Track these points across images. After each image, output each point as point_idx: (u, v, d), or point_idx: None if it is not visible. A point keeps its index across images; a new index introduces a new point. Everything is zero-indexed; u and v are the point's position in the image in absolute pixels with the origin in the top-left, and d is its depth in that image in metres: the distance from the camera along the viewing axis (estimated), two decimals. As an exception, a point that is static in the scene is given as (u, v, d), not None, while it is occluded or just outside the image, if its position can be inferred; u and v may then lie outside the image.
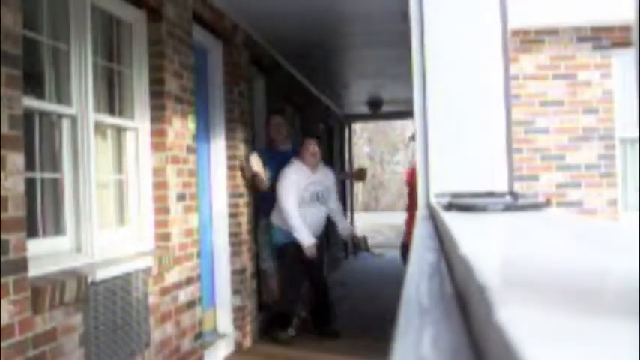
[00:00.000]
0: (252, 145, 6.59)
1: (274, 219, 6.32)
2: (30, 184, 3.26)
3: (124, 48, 4.36)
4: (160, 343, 4.31)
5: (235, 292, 5.98)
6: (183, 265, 4.75)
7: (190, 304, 4.86)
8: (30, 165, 3.25)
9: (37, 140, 3.42)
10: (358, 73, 9.86)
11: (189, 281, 4.84)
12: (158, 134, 4.50)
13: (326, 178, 6.44)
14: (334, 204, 6.60)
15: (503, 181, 2.13)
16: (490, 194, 1.98)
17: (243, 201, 6.15)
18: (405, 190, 6.43)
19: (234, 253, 6.01)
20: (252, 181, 6.26)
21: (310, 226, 6.21)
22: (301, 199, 6.17)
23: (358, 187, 30.35)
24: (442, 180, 2.12)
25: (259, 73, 7.32)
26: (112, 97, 4.24)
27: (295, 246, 6.15)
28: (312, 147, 6.21)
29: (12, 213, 2.87)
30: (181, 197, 4.75)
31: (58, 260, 3.41)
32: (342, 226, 6.83)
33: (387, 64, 8.92)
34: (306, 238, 6.13)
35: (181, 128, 4.77)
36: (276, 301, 6.47)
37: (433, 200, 2.03)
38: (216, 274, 5.90)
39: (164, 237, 4.53)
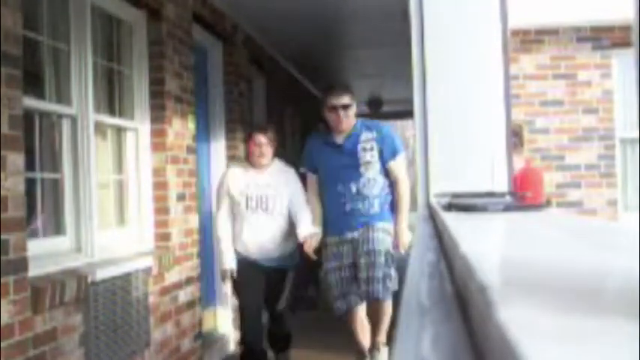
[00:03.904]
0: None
1: None
2: (30, 184, 3.25)
3: (124, 48, 4.36)
4: (160, 343, 4.31)
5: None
6: (183, 265, 4.75)
7: (190, 304, 4.86)
8: (30, 165, 3.25)
9: (37, 140, 3.42)
10: (358, 73, 9.86)
11: (189, 281, 4.84)
12: (158, 134, 4.50)
13: (278, 180, 4.69)
14: (299, 211, 4.70)
15: (504, 181, 2.13)
16: (490, 194, 1.98)
17: (243, 201, 6.15)
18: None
19: (234, 253, 6.00)
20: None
21: (255, 245, 4.64)
22: (237, 204, 4.62)
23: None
24: (442, 180, 2.12)
25: (259, 73, 7.32)
26: (112, 97, 4.24)
27: (247, 263, 4.67)
28: (259, 139, 4.63)
29: (12, 213, 2.87)
30: (181, 197, 4.75)
31: (58, 260, 3.41)
32: (303, 226, 4.66)
33: (387, 64, 8.92)
34: (224, 262, 4.66)
35: (181, 128, 4.77)
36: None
37: (433, 200, 2.03)
38: (216, 274, 5.89)
39: (164, 237, 4.53)
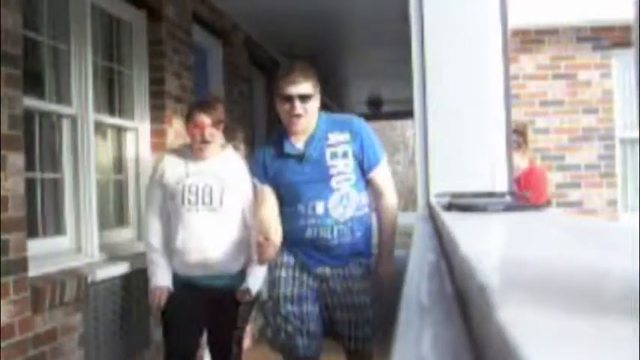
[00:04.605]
0: (252, 145, 6.59)
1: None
2: (30, 184, 3.25)
3: (124, 48, 4.36)
4: (160, 343, 4.30)
5: (235, 292, 5.98)
6: (183, 265, 4.75)
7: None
8: (30, 165, 3.25)
9: (37, 140, 3.42)
10: (358, 72, 9.86)
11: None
12: (158, 134, 4.50)
13: (230, 170, 3.47)
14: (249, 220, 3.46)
15: (504, 181, 2.13)
16: (490, 194, 1.98)
17: (243, 201, 6.16)
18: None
19: (234, 253, 6.00)
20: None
21: (195, 255, 3.38)
22: (171, 198, 3.43)
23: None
24: (442, 180, 2.12)
25: (259, 73, 7.32)
26: (112, 97, 4.24)
27: (187, 290, 3.41)
28: (200, 119, 3.41)
29: (12, 213, 2.87)
30: (181, 197, 4.74)
31: (58, 260, 3.41)
32: (251, 280, 3.45)
33: (387, 64, 8.92)
34: (153, 278, 3.44)
35: (181, 128, 4.77)
36: None
37: (433, 200, 2.03)
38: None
39: (164, 237, 4.52)
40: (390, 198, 3.38)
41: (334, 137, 3.27)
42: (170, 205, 3.44)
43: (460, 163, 2.14)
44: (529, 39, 6.59)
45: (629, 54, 5.66)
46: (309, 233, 3.24)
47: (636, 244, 0.75)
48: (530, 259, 0.72)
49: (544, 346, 0.35)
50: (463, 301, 0.70)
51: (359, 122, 3.36)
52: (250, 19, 6.22)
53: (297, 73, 3.22)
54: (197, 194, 3.41)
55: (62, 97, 3.62)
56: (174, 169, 3.47)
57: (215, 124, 3.45)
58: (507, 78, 2.19)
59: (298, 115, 3.18)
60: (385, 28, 6.68)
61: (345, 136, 3.27)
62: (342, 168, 3.24)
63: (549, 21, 6.53)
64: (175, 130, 4.66)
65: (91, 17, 3.82)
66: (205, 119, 3.43)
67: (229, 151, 3.60)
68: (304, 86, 3.20)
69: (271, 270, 3.33)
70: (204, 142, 3.43)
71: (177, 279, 3.45)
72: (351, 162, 3.25)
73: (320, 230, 3.23)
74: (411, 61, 2.22)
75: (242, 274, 3.47)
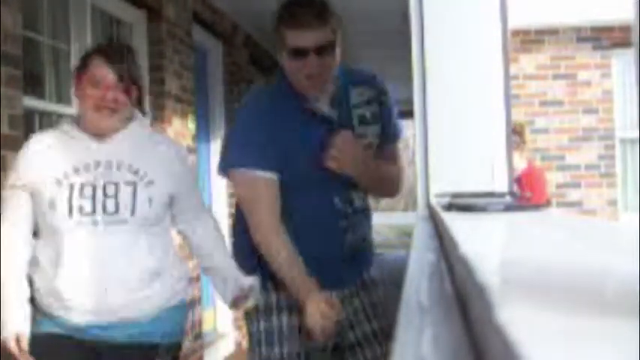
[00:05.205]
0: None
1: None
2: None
3: (124, 48, 4.37)
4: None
5: (235, 292, 5.98)
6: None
7: (190, 304, 4.85)
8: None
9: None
10: (358, 73, 9.86)
11: (189, 281, 4.84)
12: (158, 134, 4.50)
13: (145, 155, 2.22)
14: (197, 221, 2.59)
15: (503, 181, 2.13)
16: (490, 194, 1.97)
17: (243, 201, 6.16)
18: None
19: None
20: None
21: (89, 292, 2.09)
22: (48, 209, 2.10)
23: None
24: (442, 180, 2.12)
25: (259, 73, 7.32)
26: (112, 97, 4.24)
27: (72, 349, 2.15)
28: (100, 73, 2.13)
29: (12, 213, 2.86)
30: (181, 197, 4.74)
31: (58, 260, 3.40)
32: (230, 276, 2.57)
33: (387, 64, 8.92)
34: (9, 321, 2.07)
35: (181, 128, 4.77)
36: None
37: (433, 200, 2.03)
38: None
39: (164, 237, 4.52)
40: (404, 171, 2.56)
41: (358, 94, 2.31)
42: (46, 218, 2.11)
43: (460, 163, 2.14)
44: (529, 39, 6.59)
45: (629, 54, 5.66)
46: (349, 239, 2.26)
47: (636, 244, 0.75)
48: (530, 259, 0.72)
49: (544, 346, 0.35)
50: (463, 301, 0.70)
51: (381, 78, 2.45)
52: (250, 19, 6.22)
53: (310, 15, 2.16)
54: (94, 198, 2.10)
55: (62, 97, 3.62)
56: (51, 161, 2.15)
57: (124, 85, 2.18)
58: (507, 78, 2.19)
59: (314, 75, 2.14)
60: (385, 28, 6.68)
61: (371, 93, 2.34)
62: (372, 138, 2.31)
63: (549, 21, 6.54)
64: (175, 130, 4.66)
65: (91, 17, 3.82)
66: (109, 74, 2.14)
67: (140, 122, 2.33)
68: (322, 33, 2.13)
69: (262, 316, 2.33)
70: (104, 109, 2.13)
71: (54, 336, 2.14)
72: (378, 129, 2.35)
73: (354, 232, 2.28)
74: (411, 61, 2.21)
75: (165, 318, 2.33)
